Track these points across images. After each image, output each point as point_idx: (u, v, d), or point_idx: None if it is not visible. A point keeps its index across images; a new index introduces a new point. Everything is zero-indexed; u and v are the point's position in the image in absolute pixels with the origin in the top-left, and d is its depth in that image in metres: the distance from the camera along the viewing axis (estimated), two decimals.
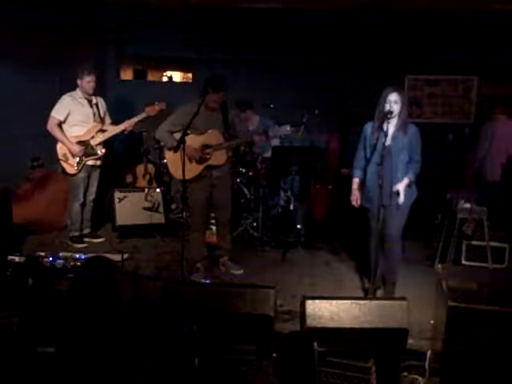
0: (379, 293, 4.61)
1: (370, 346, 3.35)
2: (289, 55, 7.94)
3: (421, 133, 4.44)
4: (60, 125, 5.69)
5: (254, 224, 6.39)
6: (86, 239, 5.99)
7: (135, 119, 5.86)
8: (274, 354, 2.96)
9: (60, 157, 5.73)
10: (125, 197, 6.25)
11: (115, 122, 5.97)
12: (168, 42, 7.97)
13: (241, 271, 5.22)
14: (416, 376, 3.44)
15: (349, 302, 3.44)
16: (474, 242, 5.28)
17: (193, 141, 4.82)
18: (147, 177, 6.89)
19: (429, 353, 3.51)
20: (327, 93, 7.65)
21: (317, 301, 3.42)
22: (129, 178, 6.97)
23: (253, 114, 6.70)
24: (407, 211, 4.47)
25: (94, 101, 5.82)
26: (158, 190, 6.48)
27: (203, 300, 3.54)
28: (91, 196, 5.97)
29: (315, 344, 2.83)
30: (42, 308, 3.63)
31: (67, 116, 5.67)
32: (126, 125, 5.84)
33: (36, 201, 6.18)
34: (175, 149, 4.58)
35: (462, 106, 8.00)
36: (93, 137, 5.77)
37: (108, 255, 4.10)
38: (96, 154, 5.79)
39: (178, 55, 8.40)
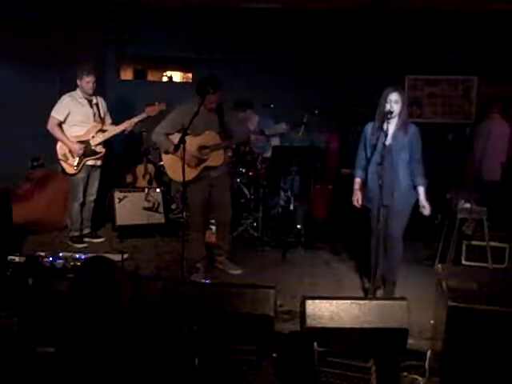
0: (379, 293, 4.61)
1: (370, 346, 3.35)
2: (289, 55, 7.94)
3: (421, 133, 4.45)
4: (60, 125, 5.69)
5: (254, 224, 6.38)
6: (86, 239, 5.99)
7: (135, 119, 5.86)
8: (274, 354, 2.96)
9: (60, 157, 5.73)
10: (125, 197, 6.25)
11: (115, 122, 5.97)
12: (168, 42, 7.97)
13: (239, 271, 5.21)
14: (416, 376, 3.44)
15: (349, 301, 3.43)
16: (473, 242, 5.28)
17: (190, 142, 4.80)
18: (147, 177, 6.88)
19: (429, 353, 3.51)
20: (327, 93, 7.65)
21: (317, 301, 3.42)
22: (129, 178, 6.96)
23: (252, 113, 6.70)
24: (409, 211, 4.47)
25: (95, 101, 5.82)
26: (157, 190, 6.48)
27: (203, 300, 3.54)
28: (92, 196, 5.97)
29: (315, 344, 2.83)
30: (42, 308, 3.63)
31: (67, 116, 5.67)
32: (126, 125, 5.84)
33: (36, 201, 6.18)
34: (175, 149, 4.57)
35: (462, 106, 8.00)
36: (93, 137, 5.77)
37: (108, 255, 4.10)
38: (96, 153, 5.79)
39: (178, 55, 8.40)
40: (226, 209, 5.16)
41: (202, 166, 4.94)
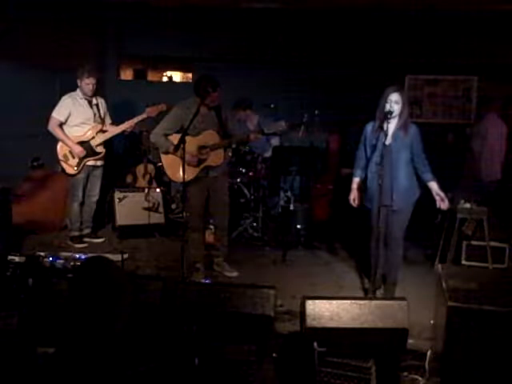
0: (379, 293, 4.61)
1: (370, 345, 3.35)
2: (289, 55, 7.94)
3: (421, 133, 4.45)
4: (61, 125, 5.69)
5: (254, 224, 6.39)
6: (86, 239, 5.99)
7: (135, 120, 5.86)
8: (274, 354, 2.96)
9: (60, 157, 5.73)
10: (125, 197, 6.25)
11: (115, 122, 5.97)
12: (168, 42, 7.97)
13: (235, 274, 5.20)
14: (416, 376, 3.44)
15: (349, 301, 3.43)
16: (473, 242, 5.27)
17: (189, 143, 4.79)
18: (147, 177, 6.88)
19: (429, 353, 3.51)
20: (327, 92, 7.65)
21: (317, 301, 3.42)
22: (129, 178, 6.96)
23: (252, 113, 6.70)
24: (409, 211, 4.48)
25: (95, 101, 5.82)
26: (157, 190, 6.48)
27: (203, 300, 3.54)
28: (94, 197, 5.97)
29: (315, 344, 2.83)
30: (42, 308, 3.63)
31: (68, 117, 5.67)
32: (127, 125, 5.84)
33: (36, 201, 6.18)
34: (175, 149, 4.56)
35: (462, 106, 8.00)
36: (93, 137, 5.77)
37: (108, 255, 4.11)
38: (96, 154, 5.79)
39: (178, 55, 8.40)
40: (225, 209, 5.14)
41: (202, 165, 4.94)
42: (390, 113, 4.28)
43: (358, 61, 7.84)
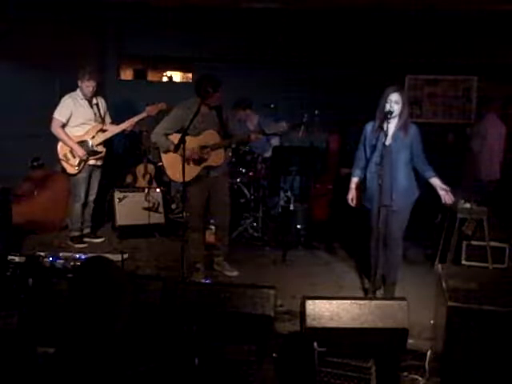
0: (379, 293, 4.61)
1: (370, 345, 3.35)
2: (289, 55, 7.94)
3: (421, 133, 4.45)
4: (63, 126, 5.69)
5: (254, 224, 6.39)
6: (86, 239, 5.99)
7: (135, 119, 5.87)
8: (274, 354, 2.96)
9: (61, 157, 5.73)
10: (125, 197, 6.25)
11: (115, 123, 5.97)
12: (168, 42, 7.97)
13: (235, 273, 5.20)
14: (416, 376, 3.44)
15: (349, 301, 3.44)
16: (473, 242, 5.27)
17: (190, 142, 4.79)
18: (147, 177, 6.88)
19: (429, 353, 3.51)
20: (327, 92, 7.65)
21: (317, 301, 3.42)
22: (129, 178, 6.96)
23: (252, 113, 6.70)
24: (408, 211, 4.48)
25: (95, 101, 5.82)
26: (157, 190, 6.48)
27: (203, 300, 3.54)
28: (92, 196, 5.97)
29: (315, 344, 2.83)
30: (42, 308, 3.63)
31: (69, 117, 5.67)
32: (127, 124, 5.85)
33: (36, 201, 6.18)
34: (175, 149, 4.56)
35: (462, 106, 8.00)
36: (93, 137, 5.77)
37: (108, 255, 4.11)
38: (97, 153, 5.79)
39: (178, 55, 8.40)
40: (225, 210, 5.14)
41: (203, 165, 4.94)
42: (390, 113, 4.28)
43: (358, 61, 7.84)
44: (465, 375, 3.16)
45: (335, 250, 6.08)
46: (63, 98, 5.72)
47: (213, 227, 5.59)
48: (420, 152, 4.41)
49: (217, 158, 4.95)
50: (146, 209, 6.27)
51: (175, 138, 4.74)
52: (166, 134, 4.89)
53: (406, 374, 3.44)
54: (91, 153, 5.76)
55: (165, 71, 9.10)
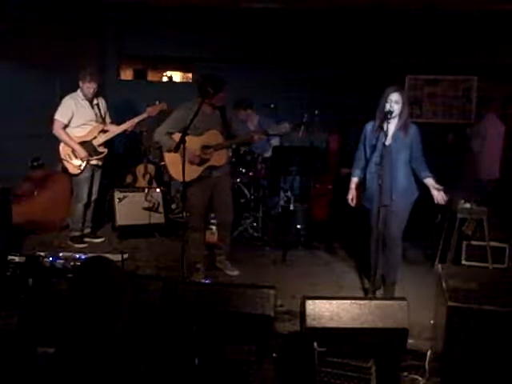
0: (379, 293, 4.61)
1: (370, 346, 3.35)
2: (289, 55, 7.94)
3: (421, 133, 4.45)
4: (65, 127, 5.68)
5: (254, 224, 6.39)
6: (86, 239, 5.98)
7: (136, 119, 5.87)
8: (274, 354, 2.96)
9: (63, 157, 5.72)
10: (125, 197, 6.25)
11: (115, 122, 5.97)
12: (168, 42, 7.97)
13: (236, 272, 5.21)
14: (416, 376, 3.44)
15: (349, 301, 3.44)
16: (473, 242, 5.28)
17: (192, 142, 4.80)
18: (147, 177, 6.88)
19: (429, 353, 3.51)
20: (327, 93, 7.65)
21: (317, 301, 3.42)
22: (129, 178, 6.96)
23: (253, 113, 6.71)
24: (408, 211, 4.48)
25: (95, 101, 5.82)
26: (157, 190, 6.48)
27: (203, 300, 3.54)
28: (93, 196, 5.97)
29: (315, 344, 2.83)
30: (42, 308, 3.63)
31: (71, 118, 5.67)
32: (128, 125, 5.85)
33: (36, 201, 6.18)
34: (175, 149, 4.55)
35: (462, 106, 8.00)
36: (95, 137, 5.77)
37: (108, 255, 4.11)
38: (99, 153, 5.79)
39: (178, 55, 8.40)
40: (228, 209, 5.14)
41: (205, 165, 4.93)
42: (390, 113, 4.28)
43: (358, 61, 7.84)
44: (465, 375, 3.16)
45: (335, 250, 6.08)
46: (64, 98, 5.71)
47: (213, 227, 5.59)
48: (419, 154, 4.41)
49: (219, 158, 4.95)
50: (146, 209, 6.27)
51: (178, 137, 4.73)
52: (169, 133, 4.89)
53: (405, 373, 3.44)
54: (93, 153, 5.76)
55: (165, 71, 9.10)
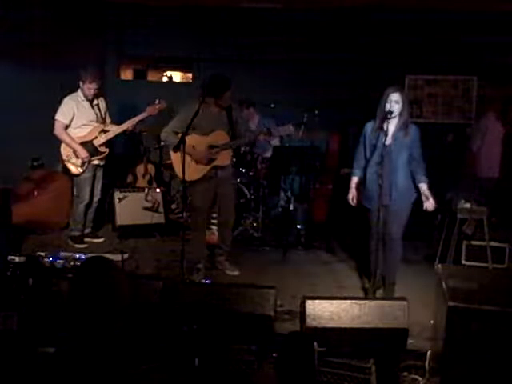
0: (379, 293, 4.60)
1: (370, 346, 3.35)
2: (289, 55, 7.94)
3: (421, 133, 4.46)
4: (66, 128, 5.68)
5: (254, 224, 6.39)
6: (86, 239, 5.98)
7: (136, 119, 5.86)
8: (274, 354, 2.96)
9: (64, 157, 5.71)
10: (125, 197, 6.24)
11: (115, 122, 5.97)
12: (168, 42, 7.97)
13: (236, 272, 5.20)
14: (416, 376, 3.44)
15: (349, 301, 3.44)
16: (473, 242, 5.28)
17: (199, 141, 4.80)
18: (147, 177, 6.88)
19: (429, 353, 3.51)
20: (327, 92, 7.64)
21: (317, 301, 3.42)
22: (129, 178, 6.96)
23: (254, 112, 6.71)
24: (408, 211, 4.48)
25: (95, 102, 5.81)
26: (157, 190, 6.48)
27: (203, 300, 3.54)
28: (96, 197, 5.95)
29: (315, 344, 2.83)
30: (42, 308, 3.64)
31: (71, 119, 5.66)
32: (128, 124, 5.85)
33: (36, 201, 6.18)
34: (175, 148, 4.56)
35: (462, 106, 8.00)
36: (96, 137, 5.76)
37: (108, 255, 4.11)
38: (100, 153, 5.79)
39: (178, 55, 8.40)
40: (231, 210, 5.15)
41: (211, 165, 4.93)
42: (390, 113, 4.28)
43: (358, 61, 7.83)
44: (465, 375, 3.16)
45: (335, 250, 6.07)
46: (64, 99, 5.70)
47: (213, 227, 5.59)
48: (418, 156, 4.41)
49: (224, 158, 4.95)
50: (146, 209, 6.26)
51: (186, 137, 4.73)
52: (176, 133, 4.88)
53: (405, 373, 3.44)
54: (94, 153, 5.76)
55: (165, 71, 9.09)
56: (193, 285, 4.18)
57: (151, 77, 9.04)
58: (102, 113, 5.85)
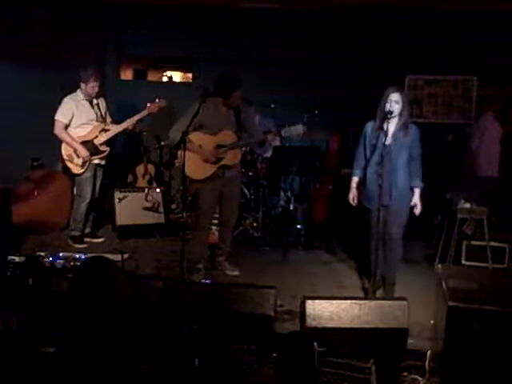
0: (379, 293, 4.60)
1: (370, 346, 3.35)
2: (289, 55, 7.93)
3: (421, 133, 4.46)
4: (66, 128, 5.68)
5: (254, 224, 6.39)
6: (86, 239, 5.97)
7: (137, 117, 5.86)
8: (274, 354, 2.96)
9: (65, 157, 5.71)
10: (125, 197, 6.24)
11: (115, 122, 5.97)
12: (168, 42, 7.96)
13: (236, 272, 5.20)
14: (416, 376, 3.44)
15: (349, 301, 3.44)
16: (473, 242, 5.28)
17: (207, 141, 4.80)
18: (147, 177, 6.88)
19: (429, 353, 3.51)
20: (327, 92, 7.64)
21: (317, 301, 3.42)
22: (129, 178, 6.96)
23: (255, 112, 6.70)
24: (408, 211, 4.49)
25: (95, 101, 5.81)
26: (157, 190, 6.47)
27: (203, 300, 3.54)
28: (95, 196, 5.96)
29: (315, 344, 2.83)
30: (42, 308, 3.64)
31: (71, 118, 5.66)
32: (129, 123, 5.85)
33: (36, 201, 6.18)
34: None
35: (462, 106, 8.00)
36: (96, 136, 5.76)
37: (108, 255, 4.11)
38: (101, 152, 5.79)
39: (178, 55, 8.40)
40: (234, 210, 5.16)
41: (219, 164, 4.92)
42: (391, 112, 4.28)
43: (358, 60, 7.83)
44: (465, 375, 3.16)
45: (335, 250, 6.07)
46: (64, 99, 5.70)
47: (213, 227, 5.58)
48: (417, 157, 4.41)
49: (232, 157, 4.94)
50: (145, 209, 6.26)
51: (193, 136, 4.73)
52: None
53: (405, 373, 3.44)
54: (95, 152, 5.76)
55: (165, 71, 9.09)
56: (193, 285, 4.18)
57: (151, 77, 9.04)
58: (102, 112, 5.85)
